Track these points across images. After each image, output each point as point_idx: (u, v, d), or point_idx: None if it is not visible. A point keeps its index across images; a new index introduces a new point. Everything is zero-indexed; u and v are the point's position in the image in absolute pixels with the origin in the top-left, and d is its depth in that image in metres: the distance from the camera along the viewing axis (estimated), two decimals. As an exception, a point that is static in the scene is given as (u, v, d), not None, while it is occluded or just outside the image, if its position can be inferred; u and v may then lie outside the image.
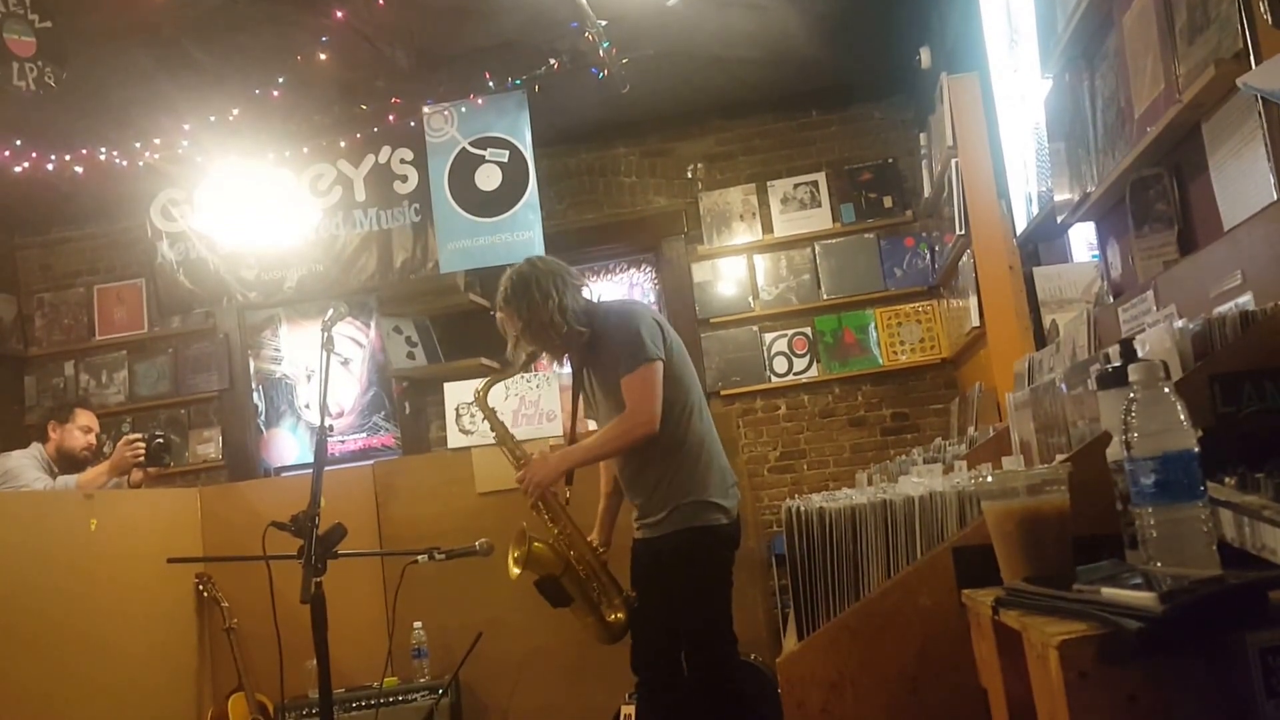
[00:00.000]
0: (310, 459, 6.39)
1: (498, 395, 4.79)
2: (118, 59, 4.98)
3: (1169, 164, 2.75)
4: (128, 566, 4.37)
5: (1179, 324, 1.76)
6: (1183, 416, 1.29)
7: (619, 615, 3.55)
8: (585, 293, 3.56)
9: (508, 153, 5.94)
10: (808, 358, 6.53)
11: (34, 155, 5.58)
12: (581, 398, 3.67)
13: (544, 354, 3.63)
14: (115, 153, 5.73)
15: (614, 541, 3.75)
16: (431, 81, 5.74)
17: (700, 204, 6.75)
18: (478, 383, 3.81)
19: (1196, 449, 1.28)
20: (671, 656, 3.38)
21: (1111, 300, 3.12)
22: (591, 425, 3.85)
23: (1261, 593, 1.12)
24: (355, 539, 3.15)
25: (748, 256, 6.67)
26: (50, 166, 5.64)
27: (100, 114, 5.46)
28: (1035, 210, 4.02)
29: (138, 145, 5.72)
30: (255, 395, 7.01)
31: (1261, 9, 2.09)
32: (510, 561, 3.52)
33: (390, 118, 5.89)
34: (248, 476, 6.57)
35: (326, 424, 3.14)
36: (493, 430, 3.72)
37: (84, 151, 5.67)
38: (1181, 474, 1.27)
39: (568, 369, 3.77)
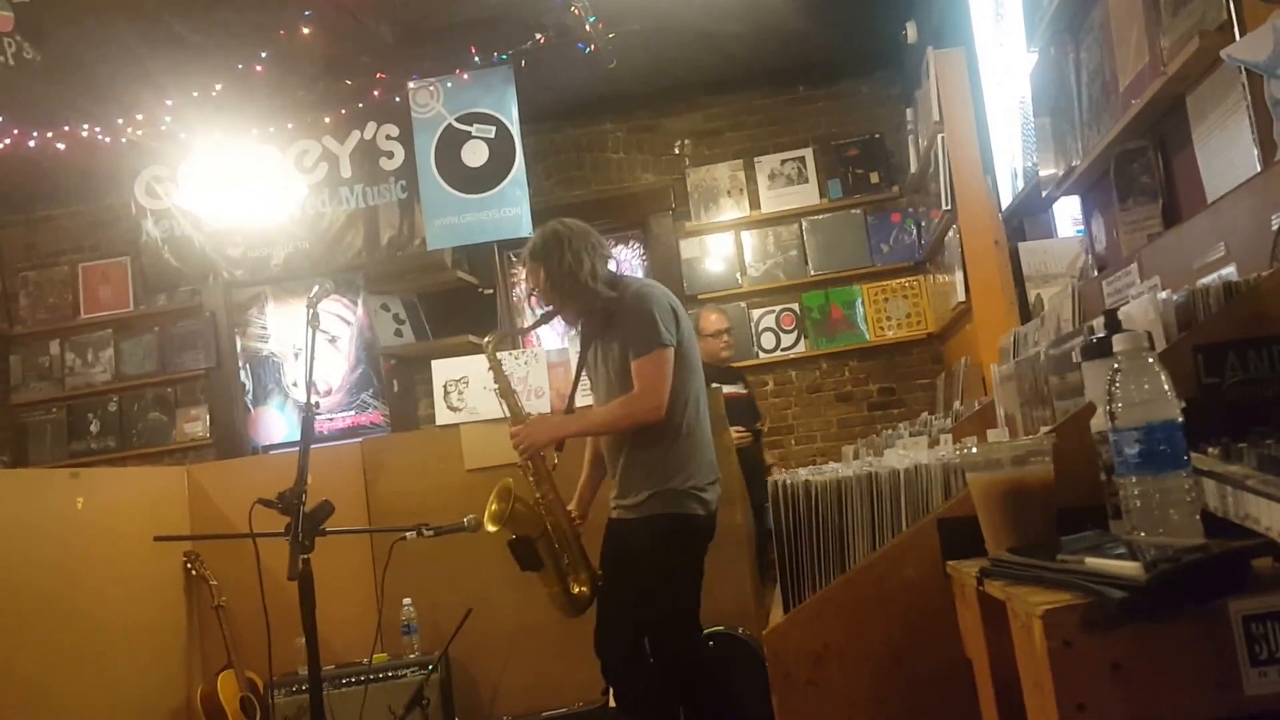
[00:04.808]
0: (298, 437, 6.36)
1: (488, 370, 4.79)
2: (100, 33, 4.93)
3: (1153, 137, 2.76)
4: (115, 545, 4.36)
5: (1163, 296, 1.76)
6: (1167, 387, 1.29)
7: (584, 589, 3.58)
8: (611, 263, 3.56)
9: (494, 128, 5.92)
10: (795, 333, 6.54)
11: (15, 132, 5.53)
12: (585, 369, 3.66)
13: (560, 315, 3.60)
14: (98, 129, 5.68)
15: (590, 518, 3.75)
16: (416, 56, 5.70)
17: (688, 180, 6.73)
18: (482, 340, 3.80)
19: (1180, 419, 1.28)
20: (635, 641, 3.39)
21: (1096, 274, 3.12)
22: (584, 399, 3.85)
23: (1244, 561, 1.13)
24: (344, 516, 3.15)
25: (735, 233, 6.67)
26: (32, 143, 5.60)
27: (82, 89, 5.41)
28: (1020, 185, 4.03)
29: (120, 121, 5.68)
30: (242, 373, 6.99)
31: (1246, -20, 2.09)
32: (488, 515, 3.52)
33: (375, 93, 5.86)
34: (235, 455, 6.56)
35: (313, 401, 3.13)
36: (496, 381, 3.69)
37: (66, 128, 5.62)
38: (1165, 444, 1.27)
39: (553, 345, 3.76)
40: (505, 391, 3.68)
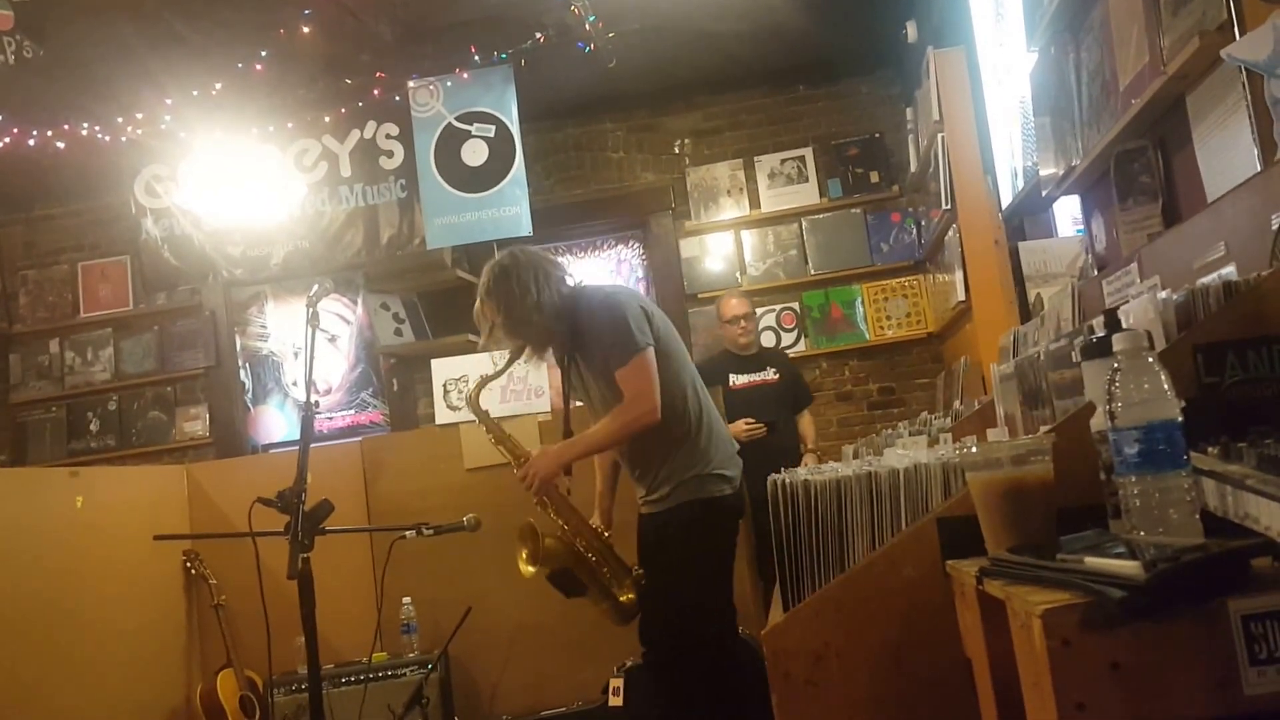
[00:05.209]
0: (298, 436, 6.35)
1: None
2: (99, 32, 4.92)
3: (1153, 137, 2.76)
4: (115, 544, 4.36)
5: (1163, 295, 1.76)
6: (1166, 386, 1.29)
7: (631, 595, 3.54)
8: (569, 281, 3.51)
9: (494, 128, 5.91)
10: (795, 333, 6.53)
11: (15, 131, 5.53)
12: (573, 391, 3.63)
13: (528, 347, 3.52)
14: (97, 128, 5.68)
15: (616, 518, 3.73)
16: (416, 55, 5.70)
17: (687, 180, 6.73)
18: (469, 385, 3.76)
19: (1180, 419, 1.28)
20: (676, 628, 3.38)
21: (1096, 273, 3.12)
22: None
23: (1243, 560, 1.13)
24: (343, 515, 3.15)
25: (735, 232, 6.67)
26: (32, 142, 5.60)
27: (82, 88, 5.40)
28: (1020, 185, 4.03)
29: (119, 120, 5.67)
30: (242, 372, 6.99)
31: (1247, -20, 2.09)
32: (521, 561, 3.49)
33: (375, 92, 5.85)
34: (235, 454, 6.56)
35: (313, 400, 3.13)
36: (488, 433, 3.66)
37: (66, 127, 5.62)
38: (1165, 444, 1.27)
39: None
40: (500, 438, 3.65)
